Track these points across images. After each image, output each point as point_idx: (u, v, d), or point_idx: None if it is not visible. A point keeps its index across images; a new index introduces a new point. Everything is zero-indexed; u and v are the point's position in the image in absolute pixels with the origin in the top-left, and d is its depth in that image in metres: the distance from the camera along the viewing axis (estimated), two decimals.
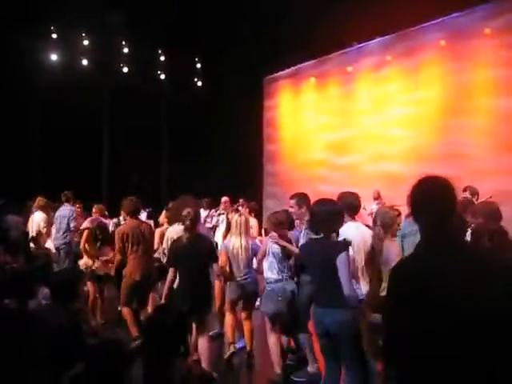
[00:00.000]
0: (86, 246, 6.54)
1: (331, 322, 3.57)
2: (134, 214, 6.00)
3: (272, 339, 4.90)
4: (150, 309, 5.94)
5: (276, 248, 4.90)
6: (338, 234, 3.94)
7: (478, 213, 4.13)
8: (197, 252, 4.80)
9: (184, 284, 4.88)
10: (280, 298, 4.77)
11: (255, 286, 5.41)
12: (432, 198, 1.97)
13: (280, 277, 4.85)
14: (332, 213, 3.77)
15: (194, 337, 4.98)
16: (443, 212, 1.96)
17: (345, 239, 3.83)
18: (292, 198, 5.13)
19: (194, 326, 4.93)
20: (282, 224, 5.01)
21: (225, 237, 6.28)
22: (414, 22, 11.37)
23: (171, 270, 4.92)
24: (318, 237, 3.78)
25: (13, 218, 9.39)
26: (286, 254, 4.88)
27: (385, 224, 4.04)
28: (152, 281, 6.05)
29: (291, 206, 5.07)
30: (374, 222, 4.16)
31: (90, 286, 6.60)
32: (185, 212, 4.89)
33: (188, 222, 4.86)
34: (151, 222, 10.89)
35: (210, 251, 4.94)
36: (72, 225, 8.09)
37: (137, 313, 5.83)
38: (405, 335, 1.89)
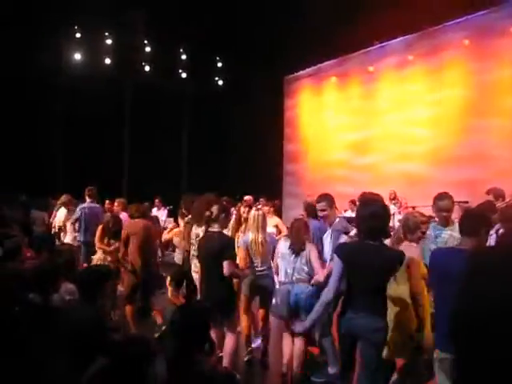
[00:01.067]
0: (99, 243, 6.63)
1: (364, 328, 3.55)
2: (139, 215, 6.17)
3: (284, 340, 4.92)
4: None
5: (284, 249, 4.90)
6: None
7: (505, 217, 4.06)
8: (213, 248, 4.81)
9: (204, 280, 4.92)
10: (279, 301, 4.76)
11: (271, 282, 5.37)
12: None
13: (286, 279, 4.83)
14: (388, 217, 3.73)
15: (216, 334, 4.96)
16: None
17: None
18: (320, 199, 5.02)
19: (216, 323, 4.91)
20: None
21: (235, 231, 6.25)
22: (438, 21, 11.26)
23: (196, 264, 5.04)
24: (374, 242, 3.55)
25: (38, 214, 9.58)
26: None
27: (406, 227, 3.99)
28: (155, 280, 6.16)
29: (322, 210, 4.94)
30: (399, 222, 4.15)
31: None
32: (212, 208, 4.94)
33: (211, 215, 4.90)
34: (171, 220, 11.01)
35: (224, 248, 4.82)
36: (95, 224, 8.13)
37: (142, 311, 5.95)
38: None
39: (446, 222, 4.46)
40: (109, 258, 6.45)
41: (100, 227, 6.75)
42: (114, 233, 6.54)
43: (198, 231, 5.61)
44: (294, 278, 4.76)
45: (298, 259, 4.79)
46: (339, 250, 3.75)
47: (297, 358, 4.78)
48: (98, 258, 6.60)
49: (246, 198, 8.55)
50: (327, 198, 4.98)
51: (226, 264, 4.71)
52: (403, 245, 3.96)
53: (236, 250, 5.23)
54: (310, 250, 4.78)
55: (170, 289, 6.26)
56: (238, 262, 5.16)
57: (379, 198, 4.59)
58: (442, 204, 4.45)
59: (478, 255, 2.17)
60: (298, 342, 4.80)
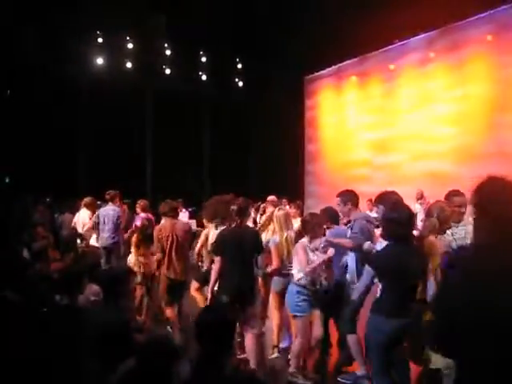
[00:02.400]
0: (134, 250, 6.66)
1: (394, 330, 3.59)
2: (170, 214, 6.07)
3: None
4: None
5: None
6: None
7: None
8: (243, 243, 4.81)
9: (230, 275, 4.90)
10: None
11: None
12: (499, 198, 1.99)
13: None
14: (413, 222, 3.82)
15: (239, 333, 4.97)
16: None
17: None
18: (338, 195, 5.10)
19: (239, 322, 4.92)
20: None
21: (264, 230, 6.27)
22: (459, 17, 11.09)
23: (217, 260, 4.94)
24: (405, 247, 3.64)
25: (66, 216, 9.75)
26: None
27: (442, 217, 4.00)
28: (188, 281, 6.13)
29: (338, 204, 5.04)
30: (428, 215, 4.12)
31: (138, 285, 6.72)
32: (235, 202, 4.98)
33: (235, 213, 4.93)
34: (193, 222, 11.08)
35: (257, 242, 4.90)
36: (120, 225, 8.22)
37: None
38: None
39: (460, 219, 4.43)
40: (140, 267, 6.45)
41: (135, 237, 6.72)
42: (149, 236, 6.59)
43: (216, 231, 5.63)
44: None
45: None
46: (372, 259, 3.83)
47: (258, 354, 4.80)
48: (132, 261, 6.62)
49: (270, 198, 8.52)
50: (343, 194, 5.05)
51: (260, 258, 4.84)
52: (429, 239, 3.91)
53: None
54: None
55: (193, 286, 6.27)
56: (274, 262, 5.22)
57: (399, 198, 4.57)
58: (457, 199, 4.44)
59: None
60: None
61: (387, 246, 3.74)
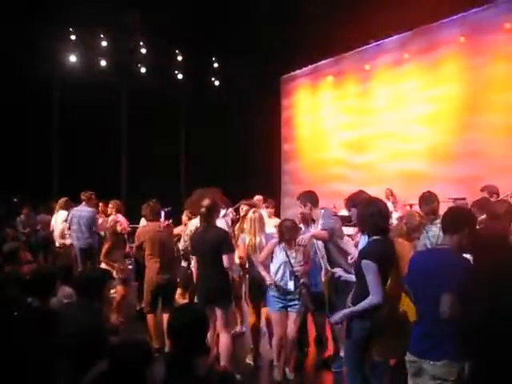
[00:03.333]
0: (105, 259, 6.58)
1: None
2: (152, 217, 6.00)
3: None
4: None
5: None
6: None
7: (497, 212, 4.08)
8: (208, 241, 4.81)
9: (200, 274, 4.93)
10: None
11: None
12: None
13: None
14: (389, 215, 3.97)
15: (211, 332, 4.94)
16: None
17: None
18: (297, 198, 5.23)
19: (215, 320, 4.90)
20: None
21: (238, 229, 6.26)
22: (433, 19, 11.25)
23: (193, 259, 5.11)
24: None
25: (43, 217, 9.59)
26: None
27: (410, 225, 4.06)
28: (174, 285, 6.05)
29: (299, 206, 5.16)
30: (400, 219, 4.21)
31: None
32: (203, 202, 4.94)
33: (203, 211, 4.89)
34: (169, 222, 10.99)
35: (222, 241, 4.84)
36: (94, 228, 8.10)
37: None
38: None
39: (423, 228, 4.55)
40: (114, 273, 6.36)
41: (107, 246, 6.63)
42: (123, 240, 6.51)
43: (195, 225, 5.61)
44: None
45: None
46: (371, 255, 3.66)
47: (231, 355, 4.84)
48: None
49: (256, 197, 8.46)
50: (302, 196, 5.17)
51: (225, 257, 4.75)
52: (398, 241, 3.99)
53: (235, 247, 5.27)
54: None
55: (178, 291, 6.24)
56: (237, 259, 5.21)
57: (369, 196, 4.64)
58: (427, 208, 4.62)
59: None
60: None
61: (375, 240, 3.68)
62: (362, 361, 3.74)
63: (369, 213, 3.72)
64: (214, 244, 4.79)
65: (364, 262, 3.55)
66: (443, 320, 2.82)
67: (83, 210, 8.12)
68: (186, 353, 2.43)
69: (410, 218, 4.14)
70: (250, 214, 5.48)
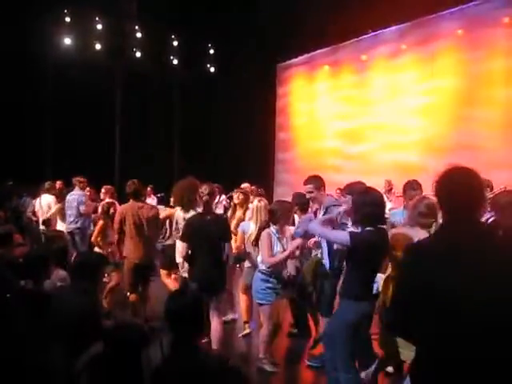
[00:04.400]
0: (99, 239, 6.54)
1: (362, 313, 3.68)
2: (135, 196, 5.92)
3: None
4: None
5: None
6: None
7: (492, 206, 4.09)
8: (209, 230, 4.77)
9: (199, 263, 4.89)
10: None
11: None
12: (462, 188, 2.07)
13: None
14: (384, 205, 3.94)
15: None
16: (471, 202, 2.05)
17: None
18: (308, 182, 4.93)
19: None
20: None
21: (231, 218, 6.25)
22: (431, 11, 11.22)
23: (183, 246, 4.91)
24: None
25: (29, 201, 9.56)
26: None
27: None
28: (153, 265, 6.05)
29: (309, 192, 4.86)
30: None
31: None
32: (202, 188, 4.92)
33: (205, 198, 4.88)
34: (162, 208, 10.95)
35: (224, 230, 4.87)
36: (81, 209, 8.14)
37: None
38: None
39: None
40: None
41: (99, 225, 6.59)
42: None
43: (186, 215, 5.56)
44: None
45: None
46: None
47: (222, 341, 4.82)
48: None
49: (244, 185, 8.48)
50: (315, 180, 4.91)
51: (226, 245, 4.78)
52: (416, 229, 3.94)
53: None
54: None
55: (162, 272, 6.23)
56: (235, 247, 5.20)
57: (376, 192, 4.62)
58: (413, 193, 4.61)
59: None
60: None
61: (368, 231, 3.65)
62: (348, 346, 3.69)
63: (362, 202, 3.71)
64: (214, 232, 4.77)
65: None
66: None
67: (73, 194, 8.22)
68: (185, 335, 2.43)
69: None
70: (256, 202, 5.43)
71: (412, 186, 5.02)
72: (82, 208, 8.13)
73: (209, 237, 4.77)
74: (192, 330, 2.47)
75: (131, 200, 5.90)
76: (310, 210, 5.50)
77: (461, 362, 1.91)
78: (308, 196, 4.94)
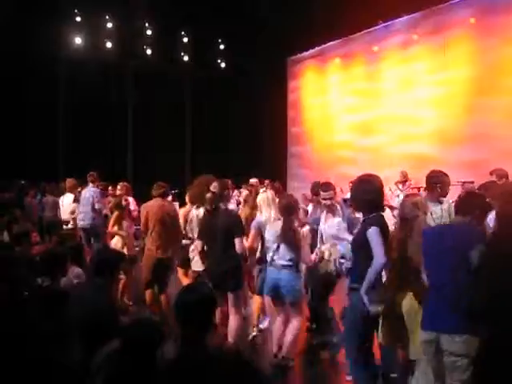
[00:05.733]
0: (116, 228, 6.58)
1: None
2: (163, 197, 6.00)
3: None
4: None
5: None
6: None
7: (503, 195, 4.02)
8: (219, 225, 4.78)
9: (210, 259, 4.92)
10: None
11: None
12: None
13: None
14: (380, 191, 3.89)
15: (219, 315, 4.95)
16: None
17: None
18: (327, 188, 4.96)
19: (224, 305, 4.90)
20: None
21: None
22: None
23: (199, 242, 5.03)
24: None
25: (49, 199, 9.65)
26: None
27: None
28: (173, 262, 6.07)
29: (331, 198, 4.92)
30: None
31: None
32: (212, 186, 4.92)
33: (212, 195, 4.88)
34: (176, 204, 11.01)
35: (233, 224, 4.80)
36: (97, 206, 8.17)
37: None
38: None
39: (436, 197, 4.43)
40: (125, 249, 6.37)
41: (115, 215, 6.64)
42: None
43: (199, 212, 5.58)
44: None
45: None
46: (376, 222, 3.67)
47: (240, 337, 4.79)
48: (114, 243, 6.54)
49: (252, 181, 8.49)
50: (332, 188, 5.01)
51: (237, 241, 4.71)
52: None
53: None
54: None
55: (180, 270, 6.26)
56: (247, 242, 5.16)
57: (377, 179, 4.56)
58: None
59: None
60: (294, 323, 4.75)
61: (372, 216, 3.67)
62: (364, 339, 3.67)
63: (362, 189, 3.74)
64: (225, 228, 4.76)
65: (370, 229, 3.58)
66: (460, 291, 2.94)
67: (87, 190, 8.28)
68: (196, 330, 2.45)
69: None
70: (261, 194, 5.41)
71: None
72: (98, 206, 8.15)
73: (217, 233, 4.78)
74: (203, 323, 2.50)
75: (154, 198, 5.97)
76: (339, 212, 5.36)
77: None
78: (327, 202, 4.91)
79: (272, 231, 4.74)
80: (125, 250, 6.22)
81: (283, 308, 4.76)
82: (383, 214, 3.84)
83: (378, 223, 3.61)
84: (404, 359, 3.89)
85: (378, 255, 3.52)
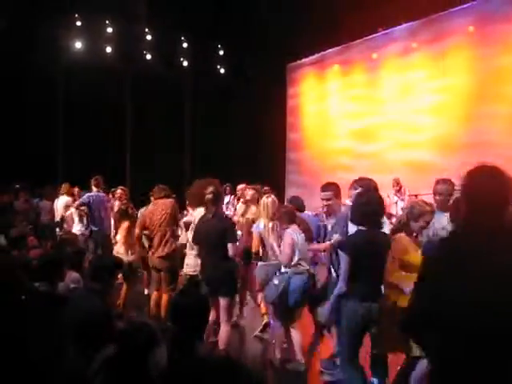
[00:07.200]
0: (126, 237, 6.56)
1: (367, 314, 3.70)
2: (159, 195, 6.13)
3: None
4: None
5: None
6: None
7: None
8: (213, 230, 4.77)
9: (205, 263, 4.93)
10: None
11: None
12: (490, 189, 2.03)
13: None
14: (380, 204, 3.98)
15: (212, 319, 4.92)
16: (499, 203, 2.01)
17: None
18: (326, 189, 4.69)
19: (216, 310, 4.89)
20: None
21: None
22: (442, 8, 11.14)
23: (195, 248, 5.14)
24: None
25: (44, 203, 9.63)
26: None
27: (411, 215, 3.94)
28: (178, 264, 6.08)
29: (328, 199, 4.61)
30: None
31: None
32: (208, 190, 4.92)
33: (210, 197, 4.88)
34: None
35: (226, 230, 4.79)
36: (104, 213, 8.11)
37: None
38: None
39: (442, 207, 4.38)
40: (130, 257, 6.36)
41: (127, 224, 6.61)
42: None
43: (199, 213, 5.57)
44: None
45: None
46: (345, 246, 3.84)
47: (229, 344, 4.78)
48: (116, 250, 6.52)
49: (240, 186, 8.46)
50: (333, 187, 4.69)
51: (230, 246, 4.71)
52: (395, 238, 3.90)
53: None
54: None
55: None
56: (253, 248, 5.19)
57: (375, 185, 4.52)
58: (437, 188, 4.44)
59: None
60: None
61: (359, 231, 3.80)
62: (355, 348, 3.76)
63: (359, 202, 3.82)
64: (218, 233, 4.76)
65: (339, 252, 3.85)
66: None
67: (96, 195, 8.16)
68: (188, 334, 2.45)
69: (411, 208, 4.04)
70: (264, 198, 5.43)
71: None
72: (105, 212, 8.11)
73: (208, 237, 4.77)
74: (195, 328, 2.50)
75: (154, 200, 6.08)
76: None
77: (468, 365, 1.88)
78: (325, 203, 4.67)
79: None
80: (130, 257, 6.23)
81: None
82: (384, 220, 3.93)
83: (348, 246, 3.77)
84: (404, 359, 3.88)
85: (342, 281, 3.75)
